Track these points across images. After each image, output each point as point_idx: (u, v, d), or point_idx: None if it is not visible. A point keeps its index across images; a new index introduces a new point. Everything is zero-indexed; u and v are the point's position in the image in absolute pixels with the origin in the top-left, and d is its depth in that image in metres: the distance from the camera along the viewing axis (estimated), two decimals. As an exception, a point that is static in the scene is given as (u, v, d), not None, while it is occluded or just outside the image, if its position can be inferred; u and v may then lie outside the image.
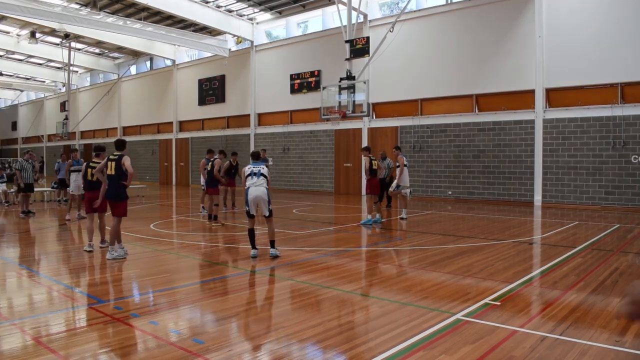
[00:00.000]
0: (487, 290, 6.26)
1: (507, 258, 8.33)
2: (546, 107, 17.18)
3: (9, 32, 30.48)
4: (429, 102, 20.14)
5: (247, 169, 8.61)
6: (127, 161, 8.46)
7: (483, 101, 18.75)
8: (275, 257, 8.36)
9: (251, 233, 8.58)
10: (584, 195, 16.42)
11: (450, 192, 19.36)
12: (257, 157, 8.98)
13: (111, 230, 8.49)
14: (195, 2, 23.64)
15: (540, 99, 17.23)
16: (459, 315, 5.20)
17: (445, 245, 9.63)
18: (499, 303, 5.67)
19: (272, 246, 8.50)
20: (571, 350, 4.27)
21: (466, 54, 18.98)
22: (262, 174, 8.49)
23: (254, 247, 8.51)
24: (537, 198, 17.32)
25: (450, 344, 4.43)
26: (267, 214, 8.43)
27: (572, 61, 16.59)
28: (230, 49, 26.71)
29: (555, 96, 17.12)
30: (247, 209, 8.49)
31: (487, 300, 5.79)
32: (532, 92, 17.41)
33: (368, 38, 18.21)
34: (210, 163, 13.30)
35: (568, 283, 6.60)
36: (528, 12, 17.45)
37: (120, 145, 8.73)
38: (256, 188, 8.39)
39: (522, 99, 17.73)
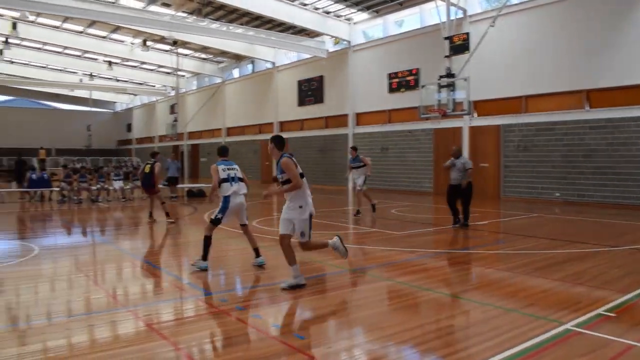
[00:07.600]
0: (600, 299, 5.84)
1: (623, 266, 7.72)
2: (669, 102, 15.66)
3: (123, 41, 33.25)
4: (535, 99, 19.09)
5: (223, 171, 7.51)
6: None
7: (595, 97, 17.43)
8: (261, 265, 7.62)
9: (209, 240, 7.51)
10: None
11: (558, 194, 18.25)
12: (226, 153, 7.94)
13: None
14: (294, 5, 24.20)
15: (661, 93, 15.73)
16: (568, 325, 4.91)
17: (552, 250, 9.10)
18: (613, 314, 5.28)
19: (258, 254, 7.70)
20: (700, 370, 3.89)
21: (575, 47, 17.75)
22: (239, 178, 7.64)
23: (206, 257, 7.46)
24: (658, 201, 15.85)
25: (558, 355, 4.21)
26: (246, 221, 7.80)
27: (701, 50, 14.99)
28: (328, 50, 27.05)
29: (680, 89, 15.55)
30: (221, 216, 7.49)
31: (600, 310, 5.40)
32: (652, 85, 15.94)
33: (468, 34, 17.67)
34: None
35: (695, 296, 6.01)
36: (648, -1, 15.99)
37: None
38: (240, 196, 7.58)
39: (639, 93, 16.30)
